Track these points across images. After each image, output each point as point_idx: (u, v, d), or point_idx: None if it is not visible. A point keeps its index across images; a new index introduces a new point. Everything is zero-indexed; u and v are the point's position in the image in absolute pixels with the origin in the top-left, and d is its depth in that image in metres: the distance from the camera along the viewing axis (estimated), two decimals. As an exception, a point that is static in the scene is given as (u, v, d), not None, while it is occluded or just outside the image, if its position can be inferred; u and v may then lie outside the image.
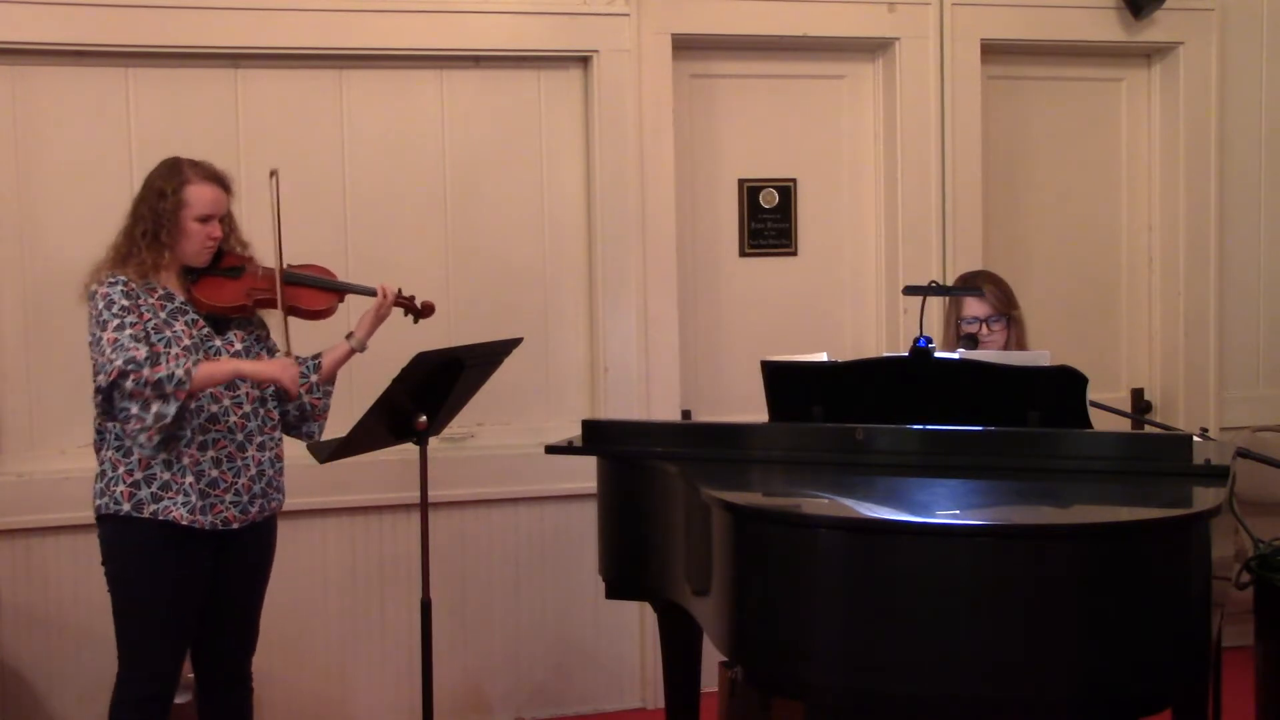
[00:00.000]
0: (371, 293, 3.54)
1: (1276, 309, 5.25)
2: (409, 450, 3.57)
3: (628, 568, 3.36)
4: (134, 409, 3.16)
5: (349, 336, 3.54)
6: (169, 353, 3.22)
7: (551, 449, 3.48)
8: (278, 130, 4.41)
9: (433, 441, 3.62)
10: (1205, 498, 2.73)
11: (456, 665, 4.53)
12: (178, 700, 3.72)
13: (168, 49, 4.26)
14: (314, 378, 3.53)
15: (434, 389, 3.45)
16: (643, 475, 3.25)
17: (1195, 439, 3.04)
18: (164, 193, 3.30)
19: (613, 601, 3.58)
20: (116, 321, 3.20)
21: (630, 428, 3.53)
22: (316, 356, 3.54)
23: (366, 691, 4.51)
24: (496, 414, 4.59)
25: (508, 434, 4.64)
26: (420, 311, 3.63)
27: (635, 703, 4.72)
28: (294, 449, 3.63)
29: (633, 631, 4.67)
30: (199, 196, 3.32)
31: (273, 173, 3.39)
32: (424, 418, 3.46)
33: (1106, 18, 4.95)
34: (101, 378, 3.19)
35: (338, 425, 3.63)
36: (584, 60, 4.61)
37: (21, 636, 4.21)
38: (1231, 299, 5.16)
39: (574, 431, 3.51)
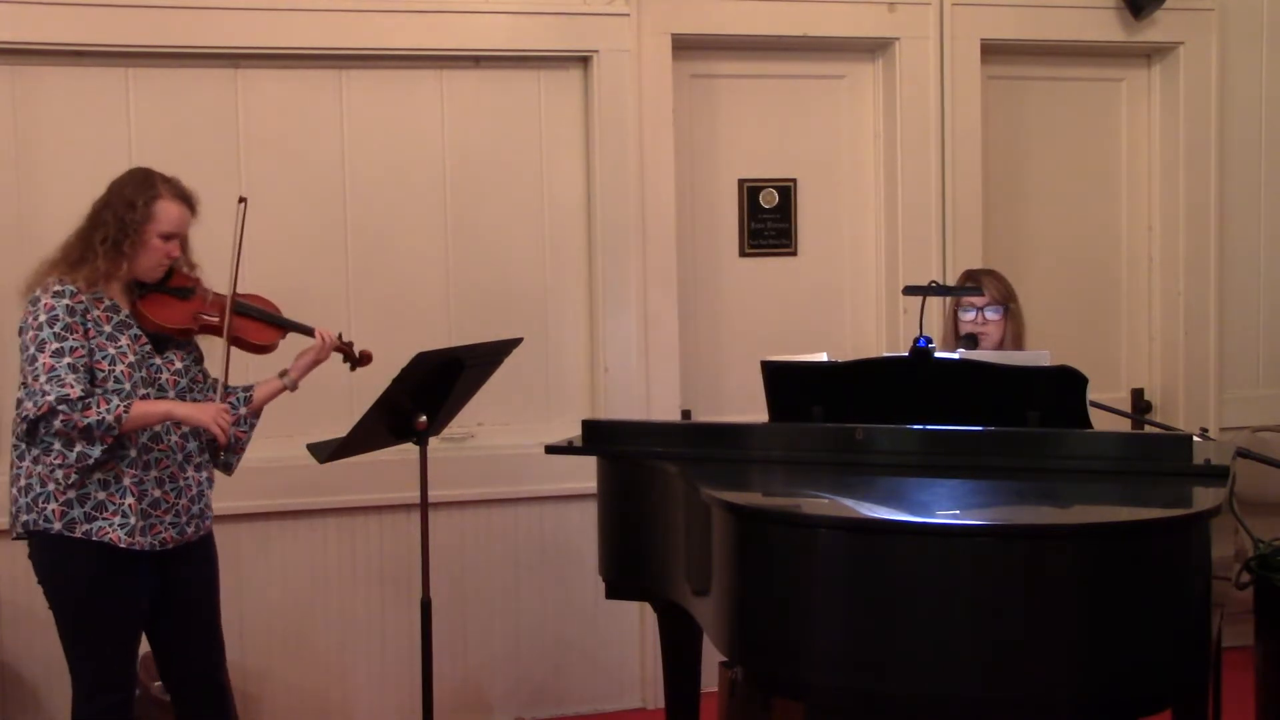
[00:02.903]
0: (310, 333, 3.46)
1: (1276, 309, 5.25)
2: (409, 450, 3.57)
3: (628, 568, 3.35)
4: (57, 445, 3.12)
5: (283, 374, 3.46)
6: (102, 391, 3.13)
7: (551, 449, 3.47)
8: (278, 130, 4.40)
9: (433, 441, 3.61)
10: (1205, 498, 2.73)
11: (456, 665, 4.53)
12: (168, 698, 3.72)
13: (168, 49, 4.26)
14: (242, 410, 3.43)
15: (434, 389, 3.45)
16: (643, 475, 3.25)
17: (1195, 439, 3.05)
18: (134, 204, 3.23)
19: (613, 601, 3.58)
20: (56, 345, 3.11)
21: (630, 428, 3.53)
22: (248, 388, 3.46)
23: (366, 691, 4.51)
24: (496, 414, 4.58)
25: (508, 434, 4.64)
26: (358, 360, 3.57)
27: (635, 703, 4.72)
28: (294, 449, 3.63)
29: (633, 631, 4.67)
30: (167, 213, 3.26)
31: (241, 199, 3.33)
32: (424, 418, 3.46)
33: (1106, 18, 4.95)
34: (30, 407, 3.09)
35: (338, 425, 3.63)
36: (584, 60, 4.61)
37: (21, 636, 4.21)
38: (1231, 299, 5.16)
39: (574, 431, 3.51)
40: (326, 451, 3.43)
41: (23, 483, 3.22)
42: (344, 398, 4.17)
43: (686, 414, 4.66)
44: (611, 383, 4.60)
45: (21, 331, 3.20)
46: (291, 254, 4.34)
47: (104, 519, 3.18)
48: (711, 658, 3.34)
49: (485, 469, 4.55)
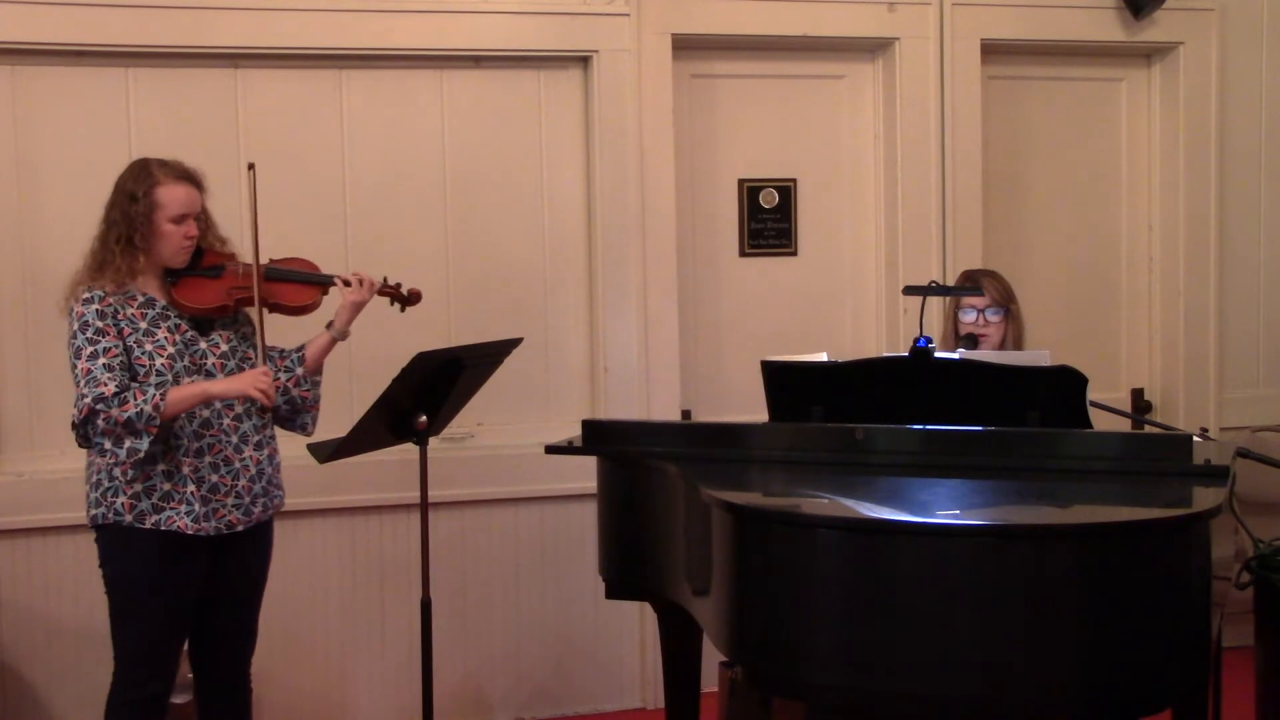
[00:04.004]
0: (347, 283, 3.49)
1: (1276, 309, 5.25)
2: (409, 450, 3.57)
3: (628, 567, 3.36)
4: (107, 444, 3.17)
5: (329, 326, 3.51)
6: (139, 385, 3.18)
7: (551, 449, 3.48)
8: (278, 130, 4.40)
9: (433, 441, 3.61)
10: (1205, 498, 2.73)
11: (456, 665, 4.53)
12: (176, 700, 3.73)
13: (168, 49, 4.26)
14: (299, 370, 3.48)
15: (434, 389, 3.45)
16: (643, 475, 3.25)
17: (1195, 439, 3.05)
18: (134, 196, 3.26)
19: (613, 601, 3.59)
20: (90, 349, 3.17)
21: (630, 428, 3.53)
22: (300, 349, 3.51)
23: (366, 691, 4.51)
24: (496, 414, 4.58)
25: (508, 434, 4.64)
26: (407, 299, 3.60)
27: (635, 703, 4.72)
28: (294, 449, 3.63)
29: (633, 631, 4.67)
30: (171, 197, 3.28)
31: (250, 166, 3.36)
32: (424, 418, 3.46)
33: (1106, 18, 4.95)
34: (74, 413, 3.17)
35: (338, 425, 3.63)
36: (584, 60, 4.61)
37: (21, 636, 4.21)
38: (1231, 299, 5.16)
39: (574, 431, 3.51)
40: (326, 451, 3.43)
41: (94, 478, 3.29)
42: (344, 398, 4.17)
43: (686, 414, 4.66)
44: (611, 383, 4.60)
45: (67, 347, 3.25)
46: (291, 253, 4.33)
47: (171, 508, 3.24)
48: (711, 658, 3.34)
49: (485, 469, 4.55)
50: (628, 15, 4.54)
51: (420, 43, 4.43)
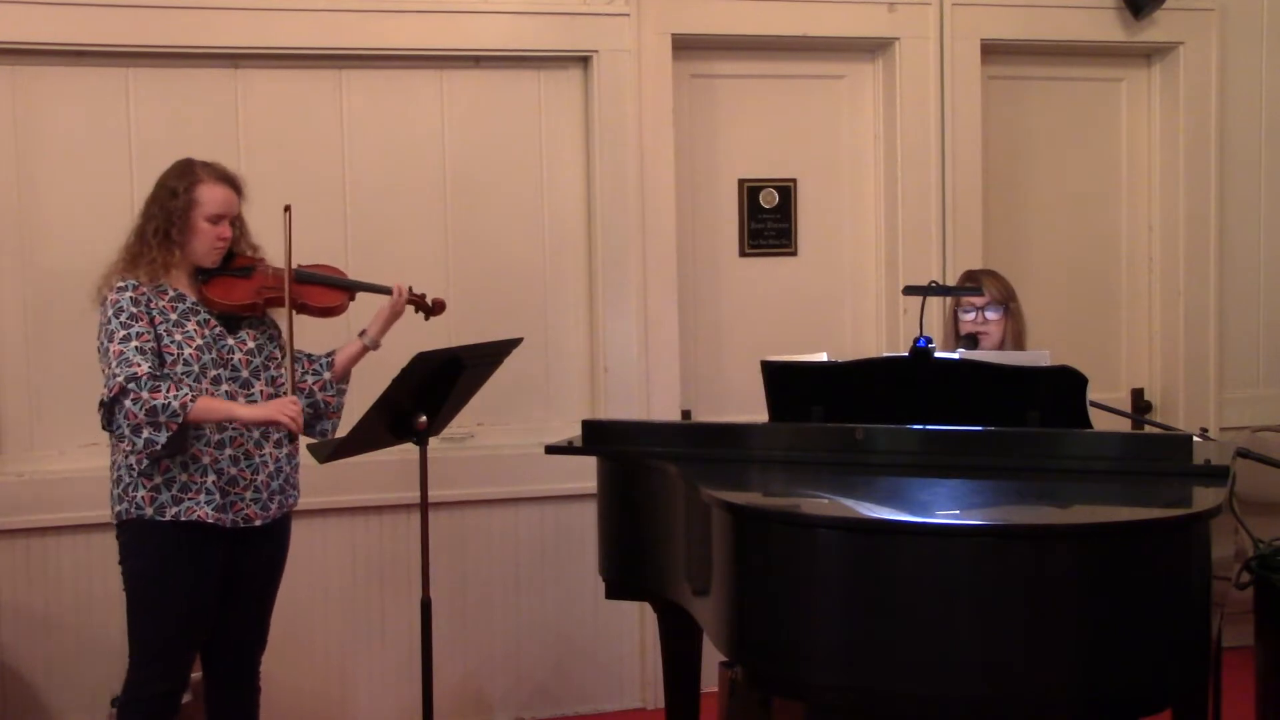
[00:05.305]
0: (385, 291, 3.58)
1: (1276, 309, 5.25)
2: (409, 450, 3.57)
3: (628, 567, 3.36)
4: (126, 430, 3.18)
5: (362, 334, 3.58)
6: (172, 377, 3.21)
7: (551, 449, 3.48)
8: (278, 130, 4.41)
9: (433, 441, 3.62)
10: (1205, 498, 2.73)
11: (456, 665, 4.53)
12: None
13: (168, 49, 4.26)
14: (327, 375, 3.55)
15: (434, 389, 3.45)
16: (643, 475, 3.25)
17: (1195, 439, 3.05)
18: (175, 191, 3.32)
19: (613, 601, 3.59)
20: (123, 332, 3.21)
21: (630, 428, 3.53)
22: (330, 354, 3.57)
23: (366, 691, 4.51)
24: (496, 414, 4.59)
25: (508, 434, 4.64)
26: (431, 309, 3.67)
27: (635, 703, 4.72)
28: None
29: (633, 631, 4.67)
30: (210, 196, 3.34)
31: (286, 208, 3.38)
32: (424, 418, 3.46)
33: (1106, 18, 4.95)
34: (105, 391, 3.21)
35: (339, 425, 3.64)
36: (584, 60, 4.61)
37: (21, 636, 4.21)
38: (1231, 299, 5.16)
39: (574, 431, 3.51)
40: (326, 451, 3.43)
41: (115, 474, 3.33)
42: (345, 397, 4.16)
43: (686, 414, 4.66)
44: (611, 383, 4.60)
45: (98, 336, 3.28)
46: (298, 255, 4.33)
47: (190, 499, 3.27)
48: (711, 658, 3.34)
49: (485, 469, 4.55)
50: (628, 15, 4.54)
51: (420, 43, 4.43)
